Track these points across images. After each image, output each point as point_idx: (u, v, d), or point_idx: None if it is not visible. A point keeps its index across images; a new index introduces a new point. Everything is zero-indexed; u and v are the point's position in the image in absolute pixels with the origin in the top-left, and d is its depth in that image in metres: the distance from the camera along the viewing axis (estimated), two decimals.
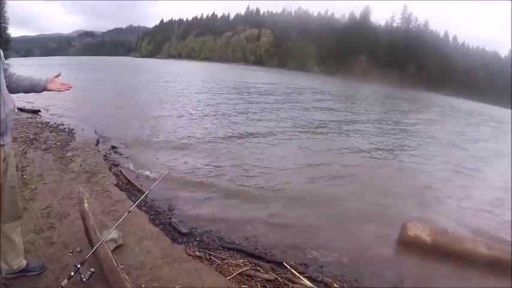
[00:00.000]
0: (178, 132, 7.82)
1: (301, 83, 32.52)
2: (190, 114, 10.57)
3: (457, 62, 64.80)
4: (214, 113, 11.13)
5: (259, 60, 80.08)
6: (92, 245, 2.38)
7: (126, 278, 2.14)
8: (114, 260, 2.28)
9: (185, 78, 28.34)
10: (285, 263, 2.96)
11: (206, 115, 10.57)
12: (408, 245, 3.78)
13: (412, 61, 63.30)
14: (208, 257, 2.88)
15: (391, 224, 4.16)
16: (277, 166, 5.98)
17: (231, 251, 3.11)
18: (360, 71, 64.34)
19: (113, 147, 5.85)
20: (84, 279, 1.98)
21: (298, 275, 2.84)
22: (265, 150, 7.19)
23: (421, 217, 4.48)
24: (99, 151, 5.44)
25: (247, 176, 5.41)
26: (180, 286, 2.36)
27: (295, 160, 6.66)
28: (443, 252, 3.70)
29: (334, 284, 2.85)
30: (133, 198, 3.65)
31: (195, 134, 7.84)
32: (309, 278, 2.85)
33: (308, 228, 3.89)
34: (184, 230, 3.31)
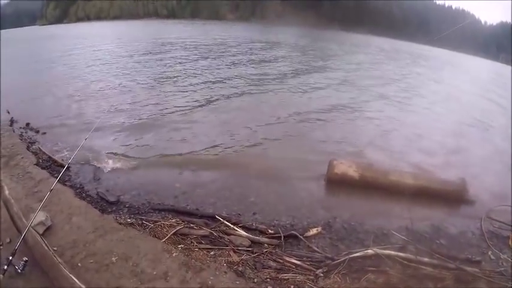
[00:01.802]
0: (95, 105, 8.59)
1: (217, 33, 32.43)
2: (107, 84, 11.08)
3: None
4: (131, 79, 11.82)
5: (171, 13, 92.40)
6: (20, 232, 3.14)
7: (60, 261, 3.05)
8: (44, 245, 3.18)
9: (94, 43, 26.22)
10: (217, 216, 4.08)
11: (122, 86, 10.89)
12: (337, 182, 5.04)
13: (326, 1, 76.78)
14: (140, 222, 3.88)
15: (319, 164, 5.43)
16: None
17: (163, 212, 4.11)
18: (275, 14, 78.23)
19: (28, 125, 6.53)
20: (19, 271, 2.68)
21: (232, 226, 4.01)
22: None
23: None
24: (14, 131, 6.09)
25: (168, 141, 6.57)
26: (116, 257, 3.36)
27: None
28: (372, 185, 5.00)
29: (269, 230, 4.07)
30: (56, 175, 4.34)
31: (115, 104, 8.66)
32: (243, 228, 4.03)
33: (237, 179, 5.04)
34: (112, 199, 4.22)
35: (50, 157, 5.04)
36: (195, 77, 12.43)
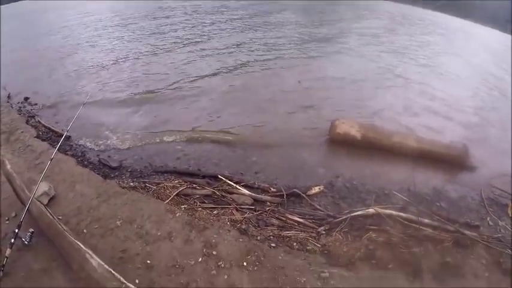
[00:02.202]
0: (95, 75, 8.29)
1: None
2: (107, 54, 10.40)
3: None
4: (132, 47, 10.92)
5: None
6: (24, 204, 3.22)
7: (65, 228, 3.16)
8: (49, 214, 3.28)
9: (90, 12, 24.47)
10: (219, 176, 4.09)
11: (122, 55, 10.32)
12: (339, 142, 4.96)
13: None
14: (143, 185, 3.93)
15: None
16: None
17: (165, 174, 4.14)
18: None
19: (26, 99, 6.44)
20: (26, 242, 2.86)
21: (234, 185, 4.02)
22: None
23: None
24: (12, 107, 6.06)
25: (171, 111, 6.29)
26: (121, 221, 3.45)
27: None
28: (374, 146, 4.94)
29: (271, 189, 4.08)
30: (57, 146, 4.44)
31: (115, 73, 8.34)
32: (246, 186, 4.04)
33: (239, 138, 4.98)
34: (114, 164, 4.25)
35: (49, 128, 5.07)
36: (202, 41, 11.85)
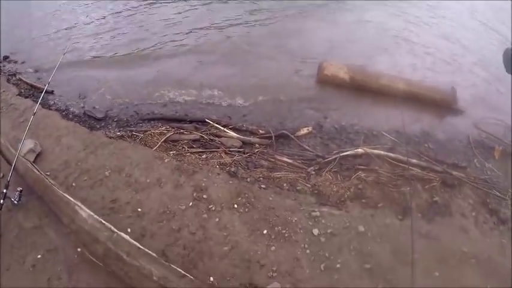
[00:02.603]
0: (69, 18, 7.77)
1: None
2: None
3: None
4: None
5: None
6: (10, 164, 3.21)
7: (53, 182, 3.15)
8: (36, 170, 3.27)
9: None
10: (207, 120, 3.99)
11: None
12: (327, 84, 4.81)
13: None
14: (130, 134, 3.86)
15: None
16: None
17: (152, 122, 4.07)
18: None
19: (5, 58, 6.07)
20: (16, 201, 2.87)
21: (222, 128, 3.93)
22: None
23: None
24: None
25: (144, 40, 6.11)
26: (109, 171, 3.43)
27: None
28: (362, 88, 4.81)
29: (260, 131, 4.00)
30: (38, 101, 4.31)
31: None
32: (234, 129, 3.96)
33: (224, 79, 4.79)
34: (99, 115, 4.13)
35: (31, 85, 4.89)
36: None
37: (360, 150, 3.78)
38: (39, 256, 2.77)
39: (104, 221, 2.81)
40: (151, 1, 8.12)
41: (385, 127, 4.35)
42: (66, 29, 7.71)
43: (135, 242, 2.67)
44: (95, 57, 5.90)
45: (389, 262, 2.82)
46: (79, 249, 2.78)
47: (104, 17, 7.75)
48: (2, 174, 3.39)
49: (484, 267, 2.92)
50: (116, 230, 2.73)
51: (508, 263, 2.94)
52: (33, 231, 2.93)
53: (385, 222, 3.13)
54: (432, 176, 3.65)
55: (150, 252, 2.60)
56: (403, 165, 3.65)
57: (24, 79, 5.09)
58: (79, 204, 2.93)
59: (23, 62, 5.85)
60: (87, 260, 2.72)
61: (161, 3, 8.04)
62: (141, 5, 7.93)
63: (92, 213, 2.86)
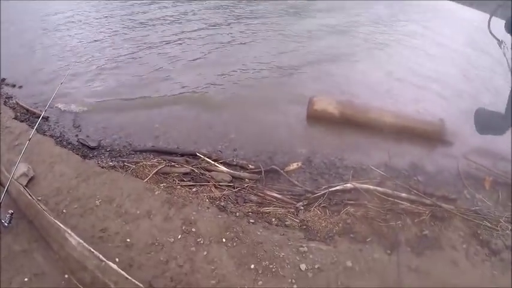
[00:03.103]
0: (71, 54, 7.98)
1: None
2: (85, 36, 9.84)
3: None
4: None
5: None
6: (3, 186, 3.26)
7: (44, 208, 3.18)
8: (28, 195, 3.32)
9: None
10: (198, 153, 4.15)
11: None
12: (317, 119, 5.09)
13: None
14: (122, 164, 3.96)
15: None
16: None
17: (144, 153, 4.21)
18: None
19: (3, 80, 6.29)
20: (6, 224, 2.90)
21: (213, 162, 4.08)
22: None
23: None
24: None
25: (144, 84, 6.36)
26: (100, 200, 3.50)
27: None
28: (352, 122, 5.07)
29: (250, 165, 4.15)
30: (35, 126, 4.41)
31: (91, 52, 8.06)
32: (224, 164, 4.11)
33: (216, 117, 5.09)
34: (93, 144, 4.25)
35: (27, 110, 5.02)
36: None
37: (348, 185, 3.92)
38: (26, 279, 2.76)
39: (92, 250, 2.85)
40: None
41: (374, 161, 4.53)
42: (66, 59, 8.04)
43: (122, 272, 2.70)
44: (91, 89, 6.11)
45: None
46: (66, 276, 2.78)
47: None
48: None
49: None
50: (104, 259, 2.77)
51: None
52: (22, 255, 2.93)
53: (373, 257, 3.20)
54: (422, 209, 3.75)
55: (137, 282, 2.63)
56: (392, 199, 3.78)
57: (20, 103, 5.21)
58: (69, 231, 2.98)
59: (20, 87, 6.02)
60: (74, 286, 2.70)
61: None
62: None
63: (81, 241, 2.90)
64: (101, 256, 2.78)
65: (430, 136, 5.16)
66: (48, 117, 4.85)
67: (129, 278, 2.65)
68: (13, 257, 2.90)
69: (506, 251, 3.44)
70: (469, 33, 12.21)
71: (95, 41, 8.62)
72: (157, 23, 10.03)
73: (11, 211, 3.01)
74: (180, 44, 8.60)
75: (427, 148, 5.10)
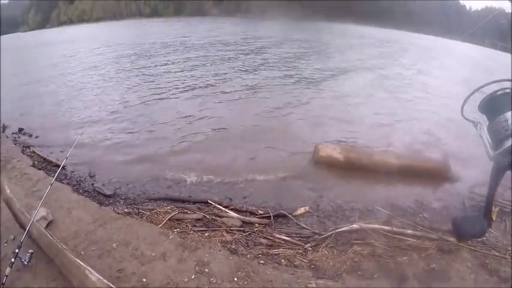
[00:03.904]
0: (85, 106, 9.19)
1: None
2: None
3: None
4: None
5: (154, 11, 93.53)
6: (23, 227, 3.46)
7: (65, 247, 3.42)
8: (49, 235, 3.53)
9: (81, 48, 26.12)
10: (209, 201, 4.44)
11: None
12: (323, 164, 5.51)
13: None
14: (136, 211, 4.22)
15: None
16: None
17: (158, 201, 4.48)
18: (260, 8, 76.86)
19: (20, 130, 7.02)
20: (26, 262, 3.02)
21: (223, 209, 4.37)
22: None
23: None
24: (7, 137, 6.54)
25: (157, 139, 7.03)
26: (117, 243, 3.72)
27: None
28: (356, 166, 5.46)
29: (259, 211, 4.44)
30: (52, 174, 4.68)
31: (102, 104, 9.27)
32: (235, 210, 4.40)
33: (226, 165, 5.51)
34: (109, 192, 4.56)
35: (44, 158, 5.38)
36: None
37: (355, 226, 4.12)
38: None
39: (112, 285, 3.01)
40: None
41: (379, 202, 4.78)
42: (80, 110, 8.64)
43: None
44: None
45: None
46: None
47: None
48: (13, 237, 3.60)
49: None
50: None
51: None
52: None
53: None
54: (428, 244, 3.90)
55: None
56: (398, 236, 3.96)
57: (37, 152, 5.58)
58: (89, 268, 3.13)
59: (36, 137, 6.53)
60: None
61: None
62: None
63: (100, 277, 3.06)
64: None
65: (435, 173, 5.49)
66: (65, 166, 5.15)
67: None
68: None
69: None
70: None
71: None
72: None
73: (31, 251, 3.17)
74: None
75: (432, 185, 5.41)
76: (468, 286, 3.46)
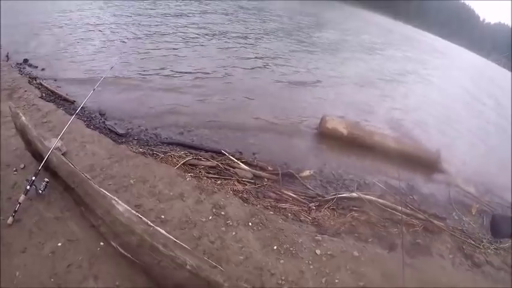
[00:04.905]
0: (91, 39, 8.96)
1: None
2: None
3: None
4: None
5: None
6: (37, 156, 3.43)
7: (88, 176, 3.46)
8: (70, 164, 3.56)
9: None
10: (223, 151, 4.63)
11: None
12: (327, 136, 5.89)
13: None
14: (151, 152, 4.30)
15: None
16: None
17: (171, 145, 4.61)
18: None
19: (25, 61, 6.70)
20: (40, 191, 3.07)
21: (236, 160, 4.58)
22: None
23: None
24: (12, 66, 6.26)
25: (173, 77, 7.16)
26: (134, 180, 3.79)
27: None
28: (357, 142, 5.90)
29: (269, 167, 4.70)
30: (62, 108, 4.65)
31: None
32: (246, 163, 4.62)
33: (237, 122, 5.77)
34: (121, 131, 4.59)
35: (53, 91, 5.27)
36: None
37: (354, 194, 4.54)
38: (59, 244, 2.94)
39: (141, 216, 3.16)
40: None
41: (376, 178, 5.26)
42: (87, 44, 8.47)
43: (170, 236, 3.02)
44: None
45: (380, 282, 3.39)
46: (102, 243, 3.04)
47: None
48: (23, 165, 3.60)
49: None
50: (152, 224, 3.09)
51: None
52: (54, 222, 3.11)
53: (375, 251, 3.76)
54: (415, 222, 4.42)
55: (184, 245, 2.92)
56: (391, 210, 4.42)
57: (45, 84, 5.45)
58: (115, 198, 3.25)
59: (43, 69, 6.29)
60: (109, 253, 2.97)
61: None
62: None
63: (129, 208, 3.19)
64: (149, 222, 3.07)
65: (427, 163, 6.05)
66: (74, 101, 5.11)
67: (177, 241, 2.95)
68: (45, 223, 3.08)
69: (487, 266, 4.15)
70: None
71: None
72: None
73: (46, 179, 3.20)
74: None
75: (423, 173, 5.98)
76: (446, 264, 4.00)
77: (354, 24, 28.50)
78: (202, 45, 10.01)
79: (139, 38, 9.59)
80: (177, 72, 7.55)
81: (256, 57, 10.17)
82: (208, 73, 7.96)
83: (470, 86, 13.55)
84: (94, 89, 3.98)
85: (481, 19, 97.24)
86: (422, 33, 53.34)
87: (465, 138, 8.28)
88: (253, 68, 9.27)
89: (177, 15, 13.85)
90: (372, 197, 4.59)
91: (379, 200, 4.58)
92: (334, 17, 30.08)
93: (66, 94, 5.26)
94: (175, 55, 8.88)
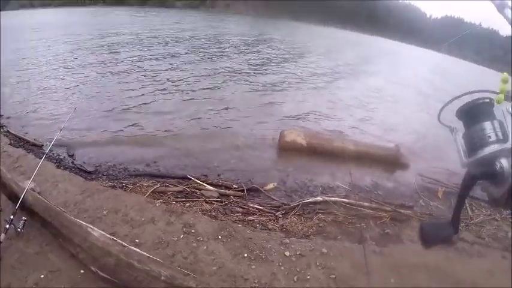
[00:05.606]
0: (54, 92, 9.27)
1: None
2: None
3: None
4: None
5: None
6: (13, 197, 3.63)
7: (63, 210, 3.77)
8: (45, 200, 3.83)
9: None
10: (189, 176, 5.02)
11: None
12: (288, 149, 6.38)
13: None
14: (120, 185, 4.64)
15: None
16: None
17: (139, 177, 4.93)
18: (224, 3, 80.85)
19: None
20: (19, 229, 3.28)
21: (201, 183, 4.98)
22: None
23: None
24: None
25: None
26: (107, 211, 4.08)
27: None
28: (318, 151, 6.38)
29: (233, 185, 5.12)
30: (31, 153, 4.93)
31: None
32: (211, 184, 5.01)
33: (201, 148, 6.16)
34: (90, 169, 4.92)
35: (21, 138, 5.52)
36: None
37: (319, 198, 4.94)
38: (41, 276, 3.13)
39: (115, 238, 3.48)
40: None
41: (339, 181, 5.71)
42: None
43: (144, 253, 3.35)
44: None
45: (350, 273, 3.73)
46: (82, 271, 3.25)
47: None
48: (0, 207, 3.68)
49: (434, 273, 3.88)
50: (127, 244, 3.40)
51: (454, 271, 3.95)
52: (35, 256, 3.30)
53: (344, 246, 4.13)
54: (383, 214, 4.79)
55: (157, 259, 3.25)
56: (356, 207, 4.81)
57: (12, 132, 5.70)
58: (90, 226, 3.57)
59: (8, 117, 6.47)
60: (90, 279, 3.18)
61: None
62: None
63: (103, 232, 3.50)
64: (123, 242, 3.39)
65: (388, 160, 6.55)
66: (42, 145, 5.38)
67: (151, 256, 3.28)
68: (26, 259, 3.27)
69: (460, 242, 4.50)
70: None
71: None
72: None
73: (24, 218, 3.45)
74: None
75: (386, 170, 6.51)
76: (417, 248, 4.43)
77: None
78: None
79: None
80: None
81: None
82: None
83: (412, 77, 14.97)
84: (61, 129, 4.30)
85: (428, 16, 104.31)
86: (376, 38, 56.71)
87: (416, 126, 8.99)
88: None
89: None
90: (336, 198, 5.01)
91: (344, 199, 4.99)
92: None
93: (34, 139, 5.53)
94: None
